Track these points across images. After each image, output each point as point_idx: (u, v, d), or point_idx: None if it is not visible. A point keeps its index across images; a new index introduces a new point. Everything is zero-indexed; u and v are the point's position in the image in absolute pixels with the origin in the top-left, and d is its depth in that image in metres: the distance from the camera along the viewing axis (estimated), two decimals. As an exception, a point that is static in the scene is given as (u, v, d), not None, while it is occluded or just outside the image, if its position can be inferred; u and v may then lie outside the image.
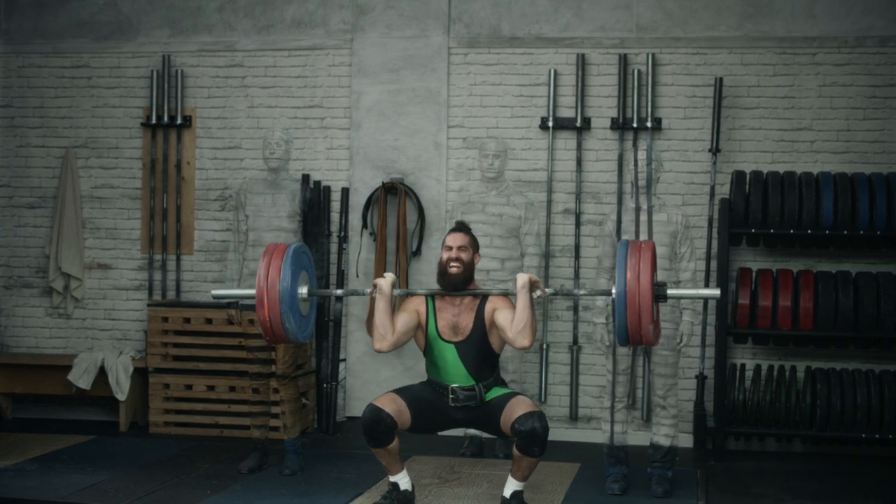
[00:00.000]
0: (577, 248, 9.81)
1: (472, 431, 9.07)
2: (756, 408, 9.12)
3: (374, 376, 9.98)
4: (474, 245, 7.17)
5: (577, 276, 9.78)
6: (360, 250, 10.04)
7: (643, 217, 7.76)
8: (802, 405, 9.07)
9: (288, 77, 10.33)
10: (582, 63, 9.83)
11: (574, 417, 9.80)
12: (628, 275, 6.33)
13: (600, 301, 7.95)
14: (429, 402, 7.06)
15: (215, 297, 7.15)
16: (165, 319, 9.91)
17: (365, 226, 10.00)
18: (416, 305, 7.09)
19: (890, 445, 9.12)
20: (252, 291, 6.91)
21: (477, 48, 10.03)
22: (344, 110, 10.24)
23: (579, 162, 9.82)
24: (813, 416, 9.04)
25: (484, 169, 8.94)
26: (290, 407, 8.42)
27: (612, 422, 7.91)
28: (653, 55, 9.70)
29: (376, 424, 6.82)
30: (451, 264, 7.02)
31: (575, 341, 9.80)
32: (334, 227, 10.15)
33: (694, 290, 7.32)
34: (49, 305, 10.66)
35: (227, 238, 10.10)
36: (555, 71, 9.84)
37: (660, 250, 7.29)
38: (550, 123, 9.85)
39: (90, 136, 10.59)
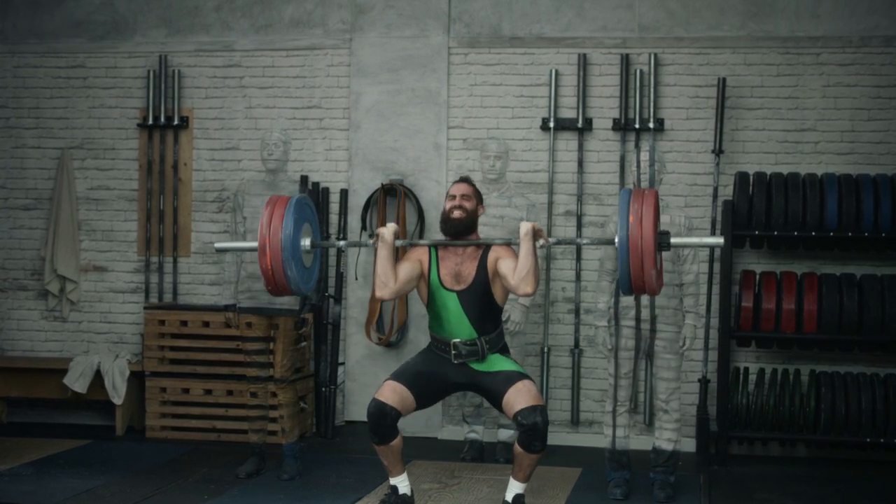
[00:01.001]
0: (579, 249, 9.76)
1: (473, 435, 9.02)
2: (759, 412, 9.07)
3: (373, 380, 9.91)
4: (478, 196, 7.15)
5: (578, 278, 9.73)
6: (359, 253, 9.97)
7: None
8: (806, 409, 9.03)
9: (286, 77, 10.28)
10: (583, 63, 9.78)
11: (575, 422, 9.74)
12: (631, 219, 6.33)
13: (602, 304, 7.88)
14: (428, 374, 6.98)
15: (219, 249, 7.28)
16: (162, 322, 9.86)
17: (364, 228, 9.94)
18: (419, 255, 7.04)
19: (895, 450, 9.06)
20: (256, 244, 7.01)
21: (477, 48, 9.98)
22: (343, 111, 10.19)
23: (581, 163, 9.77)
24: (817, 420, 9.01)
25: (485, 170, 8.86)
26: (289, 411, 8.34)
27: (614, 426, 7.86)
28: (655, 55, 9.66)
29: (382, 419, 6.77)
30: (454, 211, 7.01)
31: (576, 345, 9.74)
32: (333, 230, 10.10)
33: (697, 239, 7.25)
34: (45, 308, 10.61)
35: (224, 240, 10.01)
36: (556, 71, 9.79)
37: (663, 253, 7.20)
38: (552, 124, 9.81)
39: (86, 137, 10.54)
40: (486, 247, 6.98)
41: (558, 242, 7.24)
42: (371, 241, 7.01)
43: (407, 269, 6.93)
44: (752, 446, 9.53)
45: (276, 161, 8.40)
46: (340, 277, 10.02)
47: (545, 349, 9.75)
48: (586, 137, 9.81)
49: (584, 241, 7.35)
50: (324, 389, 9.91)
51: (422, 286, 7.03)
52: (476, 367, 6.96)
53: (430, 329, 7.11)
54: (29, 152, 10.63)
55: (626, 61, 9.70)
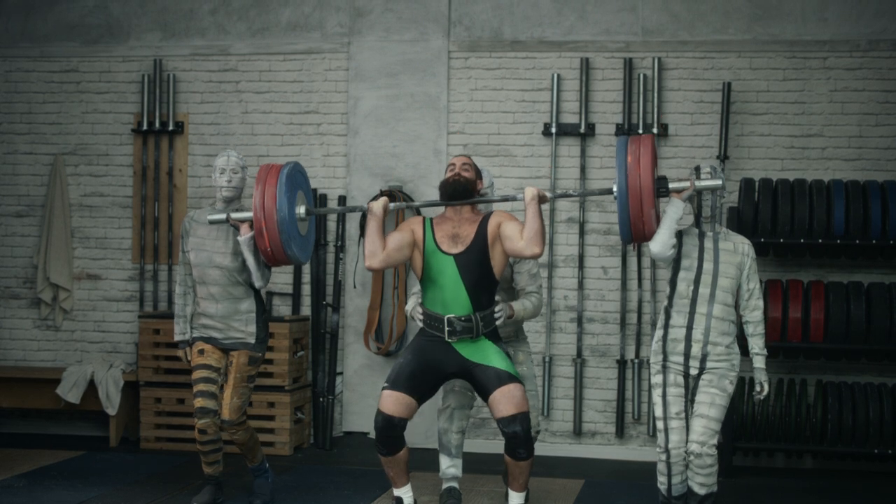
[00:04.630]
0: (582, 258, 9.67)
1: (452, 470, 7.75)
2: (765, 422, 9.00)
3: (371, 390, 9.82)
4: (477, 172, 7.20)
5: (581, 286, 9.64)
6: (358, 260, 9.92)
7: (708, 244, 7.23)
8: (813, 420, 8.97)
9: (283, 82, 10.22)
10: (586, 67, 9.70)
11: (578, 433, 9.65)
12: (629, 159, 6.53)
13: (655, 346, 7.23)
14: (422, 371, 6.98)
15: (212, 221, 7.28)
16: (157, 331, 9.78)
17: (363, 235, 9.81)
18: (412, 225, 7.09)
19: (904, 461, 9.03)
20: (249, 214, 7.08)
21: (478, 52, 9.90)
22: (341, 116, 10.11)
23: (583, 169, 9.70)
24: (824, 430, 8.95)
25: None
26: (245, 447, 7.71)
27: (670, 475, 7.08)
28: (659, 59, 9.60)
29: (391, 430, 6.87)
30: (453, 176, 7.06)
31: (578, 354, 9.62)
32: (331, 237, 10.02)
33: (696, 182, 6.91)
34: (37, 317, 10.54)
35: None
36: (558, 75, 9.72)
37: (723, 282, 6.94)
38: (553, 129, 9.74)
39: (79, 143, 10.46)
40: (486, 213, 7.03)
41: (557, 197, 7.30)
42: (366, 208, 7.06)
43: (396, 238, 7.00)
44: (757, 457, 9.46)
45: (234, 189, 7.58)
46: (339, 286, 9.93)
47: (547, 358, 9.63)
48: (589, 143, 9.74)
49: (580, 192, 7.31)
50: (321, 400, 9.85)
51: (416, 256, 7.04)
52: (468, 356, 6.95)
53: (424, 305, 7.08)
54: (21, 158, 10.55)
55: (629, 65, 9.64)
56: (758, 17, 9.54)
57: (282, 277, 10.09)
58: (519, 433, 6.75)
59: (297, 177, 7.05)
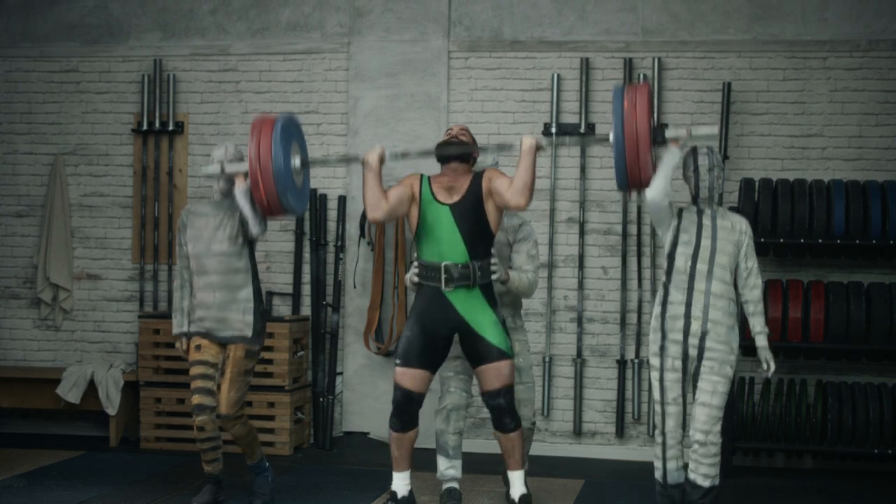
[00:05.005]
0: (582, 258, 9.66)
1: (451, 472, 7.71)
2: (765, 422, 9.00)
3: (371, 390, 9.82)
4: (474, 142, 7.32)
5: (581, 286, 9.63)
6: (358, 260, 9.91)
7: (706, 221, 7.13)
8: (813, 420, 8.96)
9: (283, 82, 10.22)
10: (586, 67, 9.70)
11: (578, 432, 9.64)
12: (625, 104, 6.58)
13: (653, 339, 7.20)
14: (427, 343, 7.10)
15: (206, 174, 7.37)
16: (157, 331, 9.77)
17: (363, 235, 9.84)
18: (410, 181, 7.22)
19: (904, 461, 9.02)
20: (245, 166, 7.14)
21: (478, 52, 9.90)
22: (341, 116, 10.10)
23: (583, 169, 9.69)
24: (824, 430, 8.94)
25: None
26: (244, 442, 7.70)
27: (664, 459, 7.15)
28: (659, 59, 9.59)
29: (409, 405, 7.06)
30: (450, 137, 7.24)
31: (578, 354, 9.61)
32: (331, 237, 9.99)
33: (693, 130, 6.98)
34: (37, 317, 10.53)
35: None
36: (558, 75, 9.71)
37: (721, 259, 6.96)
38: (554, 129, 9.73)
39: (79, 143, 10.45)
40: (479, 171, 7.15)
41: (557, 144, 7.36)
42: (363, 156, 7.14)
43: (398, 191, 7.12)
44: (757, 457, 9.45)
45: (230, 182, 7.57)
46: (339, 286, 9.92)
47: (547, 358, 9.62)
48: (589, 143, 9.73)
49: (578, 139, 7.30)
50: (321, 400, 9.84)
51: (413, 210, 7.13)
52: (464, 313, 7.03)
53: (420, 256, 7.15)
54: (21, 158, 10.54)
55: (629, 65, 9.64)
56: (758, 17, 9.53)
57: (282, 277, 10.09)
58: (503, 405, 7.08)
59: (291, 129, 7.11)
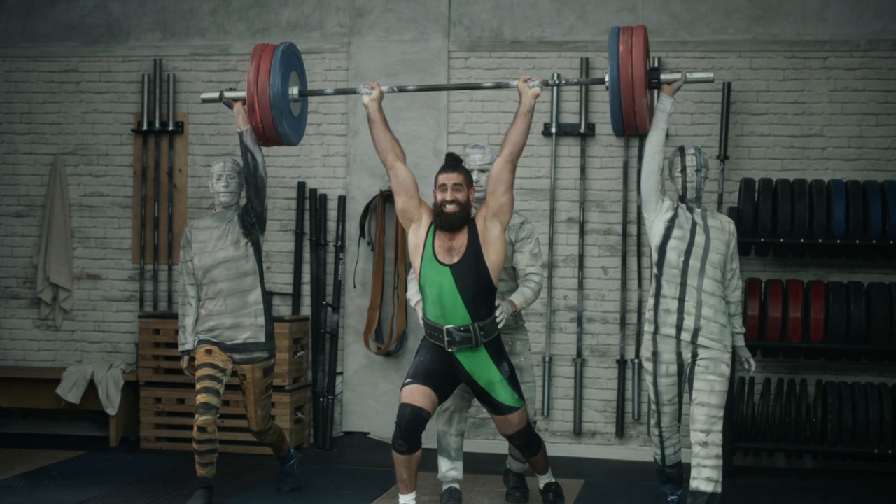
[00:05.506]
0: (582, 258, 9.65)
1: (453, 474, 7.74)
2: (765, 422, 8.98)
3: (371, 390, 9.82)
4: (468, 181, 7.17)
5: (581, 286, 9.62)
6: (358, 260, 9.90)
7: (698, 220, 7.08)
8: (813, 420, 8.94)
9: (283, 82, 10.14)
10: (586, 67, 9.70)
11: (578, 433, 9.63)
12: (621, 48, 6.63)
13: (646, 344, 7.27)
14: (440, 371, 7.01)
15: (205, 99, 7.48)
16: (157, 331, 9.77)
17: (363, 235, 9.85)
18: (427, 210, 7.17)
19: (904, 461, 9.00)
20: (243, 94, 7.21)
21: (478, 52, 9.89)
22: (341, 116, 10.09)
23: (583, 169, 9.68)
24: (824, 431, 8.92)
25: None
26: (276, 445, 8.06)
27: (662, 447, 7.33)
28: (659, 59, 9.58)
29: (416, 424, 6.84)
30: (447, 205, 7.03)
31: (579, 354, 9.60)
32: (331, 237, 9.99)
33: (688, 74, 7.14)
34: (37, 317, 10.52)
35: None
36: (558, 75, 9.66)
37: (713, 257, 6.97)
38: (553, 130, 9.72)
39: (79, 143, 10.44)
40: (472, 219, 7.06)
41: (557, 85, 7.94)
42: (364, 90, 7.22)
43: (413, 190, 7.21)
44: (757, 458, 9.44)
45: (231, 194, 7.66)
46: (339, 286, 9.91)
47: (547, 358, 9.62)
48: (589, 143, 9.73)
49: (574, 80, 7.92)
50: (321, 400, 9.83)
51: (414, 232, 7.11)
52: (471, 371, 6.98)
53: (425, 315, 7.07)
54: (21, 158, 10.53)
55: (629, 65, 9.58)
56: (758, 17, 9.52)
57: (282, 277, 10.08)
58: (520, 445, 7.28)
59: (291, 57, 7.12)
